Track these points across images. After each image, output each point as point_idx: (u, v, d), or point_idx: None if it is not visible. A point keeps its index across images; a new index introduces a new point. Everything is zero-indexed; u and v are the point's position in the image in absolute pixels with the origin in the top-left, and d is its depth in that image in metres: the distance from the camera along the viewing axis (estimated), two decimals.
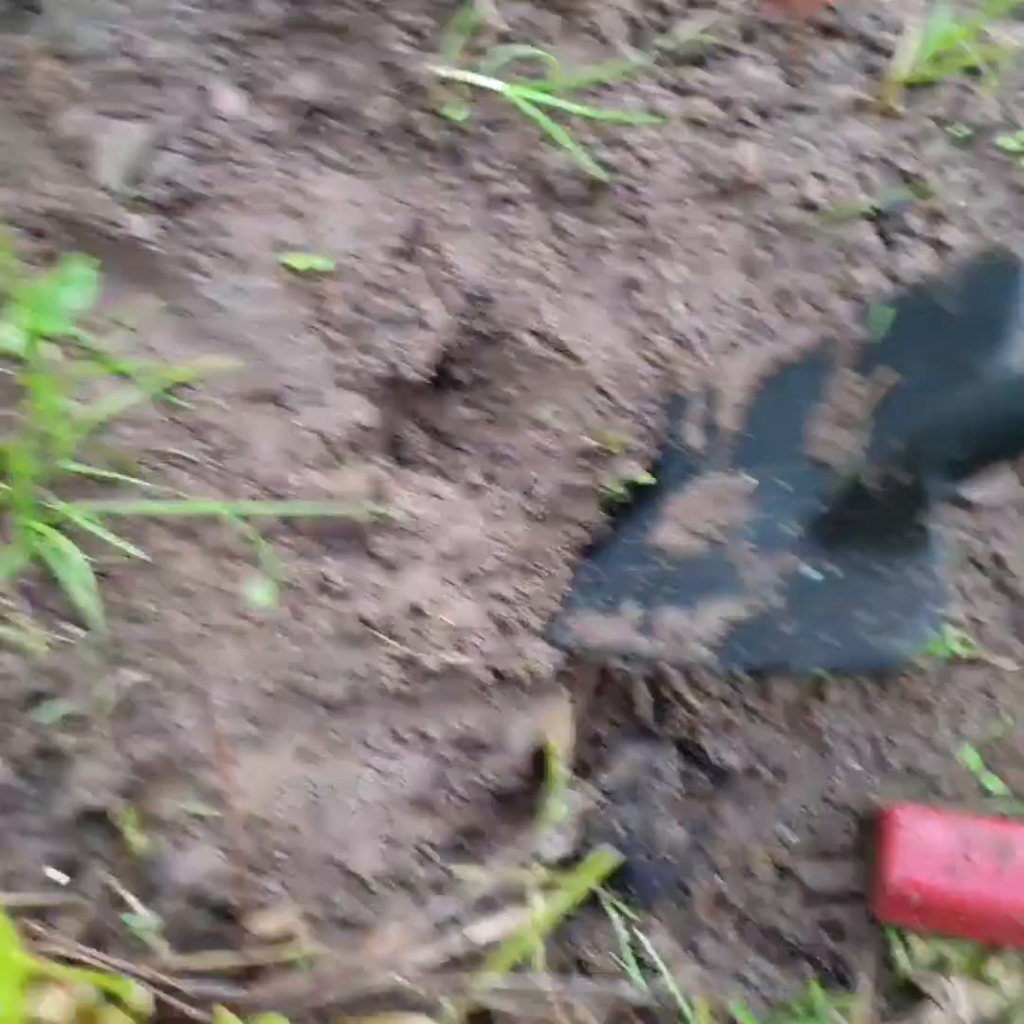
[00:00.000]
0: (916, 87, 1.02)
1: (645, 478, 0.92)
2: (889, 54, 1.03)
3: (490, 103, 0.95)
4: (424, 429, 0.97)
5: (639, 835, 0.85)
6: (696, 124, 0.97)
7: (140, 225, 0.90)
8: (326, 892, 0.80)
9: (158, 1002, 0.73)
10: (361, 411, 0.90)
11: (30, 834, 0.79)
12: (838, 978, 0.87)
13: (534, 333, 0.92)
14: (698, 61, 1.02)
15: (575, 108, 0.93)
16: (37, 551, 0.80)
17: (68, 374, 0.84)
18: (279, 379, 0.89)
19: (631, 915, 0.85)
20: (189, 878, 0.77)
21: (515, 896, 0.80)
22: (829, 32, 1.04)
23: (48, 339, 0.85)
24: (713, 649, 0.80)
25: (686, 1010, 0.79)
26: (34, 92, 0.93)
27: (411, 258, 0.93)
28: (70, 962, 0.73)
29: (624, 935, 0.83)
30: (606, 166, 0.95)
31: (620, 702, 0.91)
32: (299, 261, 0.91)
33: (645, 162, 0.95)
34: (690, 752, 0.90)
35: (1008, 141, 0.98)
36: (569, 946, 0.84)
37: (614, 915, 0.84)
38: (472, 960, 0.77)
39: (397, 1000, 0.73)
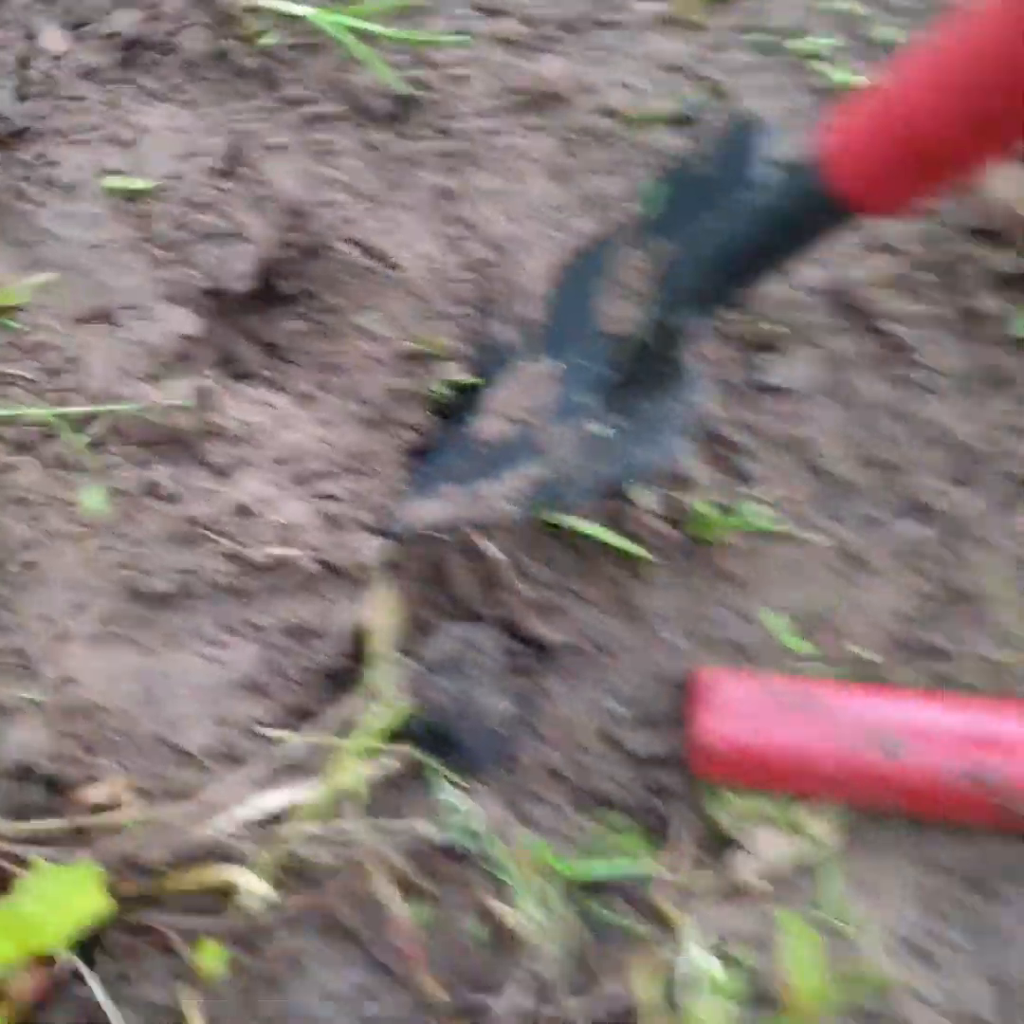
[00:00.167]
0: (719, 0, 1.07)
1: (468, 379, 0.96)
2: None
3: (300, 29, 0.99)
4: (257, 343, 1.02)
5: (465, 707, 0.90)
6: (505, 42, 1.02)
7: None
8: (156, 767, 0.84)
9: None
10: (188, 323, 0.95)
11: None
12: (662, 836, 0.92)
13: (353, 242, 0.97)
14: None
15: (383, 30, 0.98)
16: None
17: None
18: (109, 297, 0.94)
19: (460, 783, 0.90)
20: (18, 754, 0.82)
21: (333, 760, 0.84)
22: None
23: None
24: (518, 506, 0.86)
25: (498, 853, 0.83)
26: None
27: (230, 177, 0.98)
28: None
29: (448, 799, 0.87)
30: (417, 83, 0.99)
31: (448, 590, 0.96)
32: (122, 183, 0.95)
33: (454, 78, 1.00)
34: (515, 633, 0.95)
35: (802, 45, 1.03)
36: (395, 812, 0.88)
37: (438, 782, 0.89)
38: (291, 817, 0.81)
39: (216, 854, 0.78)
